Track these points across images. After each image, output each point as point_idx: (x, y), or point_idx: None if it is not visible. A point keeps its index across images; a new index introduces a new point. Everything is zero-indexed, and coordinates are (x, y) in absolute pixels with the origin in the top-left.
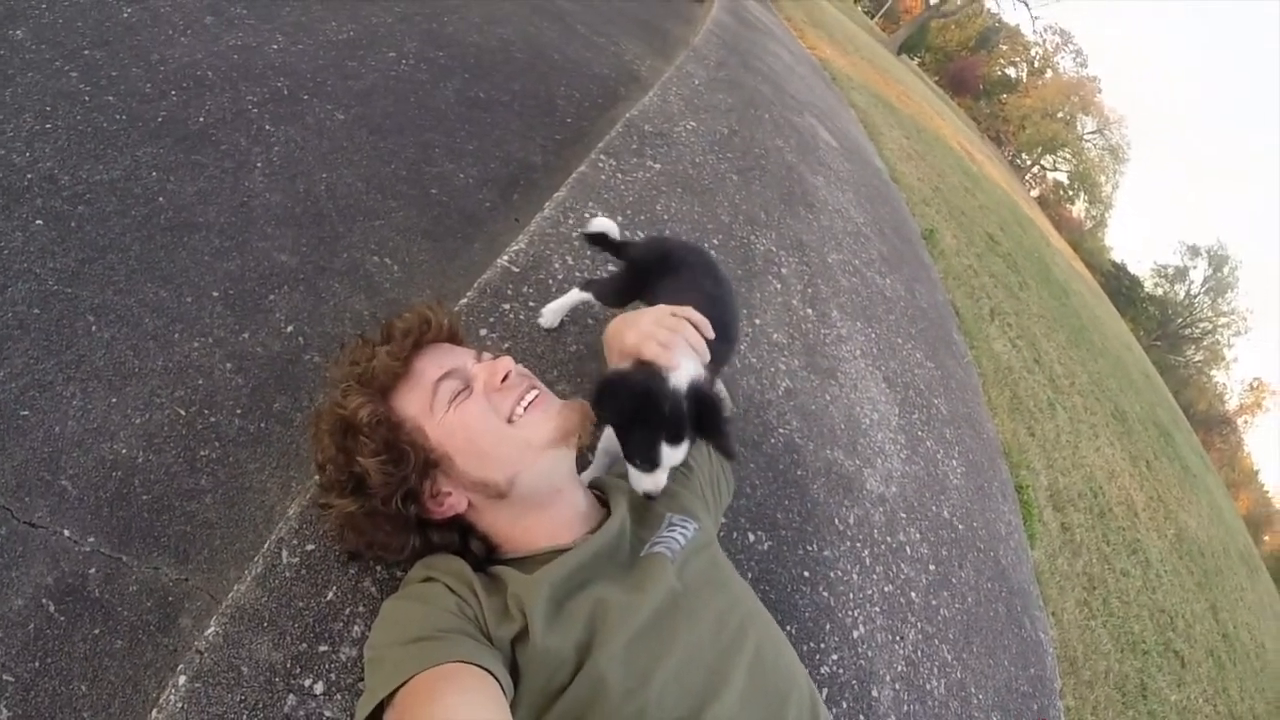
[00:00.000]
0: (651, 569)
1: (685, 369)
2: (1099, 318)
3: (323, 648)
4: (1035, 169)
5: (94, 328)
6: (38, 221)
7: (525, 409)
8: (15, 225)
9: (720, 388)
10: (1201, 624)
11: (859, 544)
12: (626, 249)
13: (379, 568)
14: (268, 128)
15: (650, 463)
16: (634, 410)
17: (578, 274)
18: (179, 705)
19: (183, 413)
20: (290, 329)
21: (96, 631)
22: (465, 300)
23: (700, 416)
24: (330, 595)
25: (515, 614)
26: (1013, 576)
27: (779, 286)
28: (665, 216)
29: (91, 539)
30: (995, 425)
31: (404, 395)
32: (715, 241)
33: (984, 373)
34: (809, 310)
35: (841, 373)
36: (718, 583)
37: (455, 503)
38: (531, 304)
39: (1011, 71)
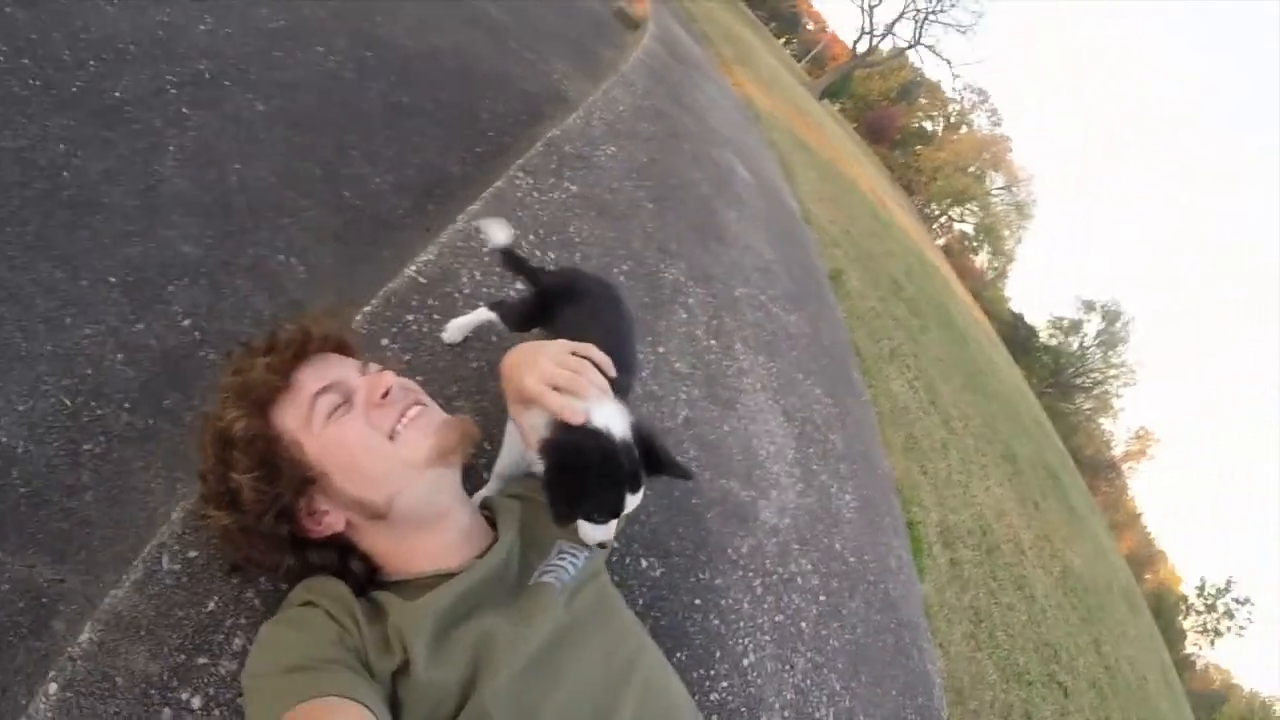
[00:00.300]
0: (539, 599)
1: (611, 413)
2: (995, 364)
3: (201, 660)
4: (943, 219)
5: None
6: None
7: (405, 425)
8: None
9: None
10: (1085, 657)
11: (751, 573)
12: (537, 276)
13: (263, 580)
14: (185, 111)
15: (614, 514)
16: (596, 477)
17: (485, 290)
18: (49, 715)
19: (68, 403)
20: (188, 323)
21: None
22: (369, 308)
23: (647, 455)
24: (211, 605)
25: (396, 646)
26: (902, 609)
27: (685, 316)
28: (578, 239)
29: None
30: (890, 462)
31: (283, 409)
32: (625, 268)
33: (881, 411)
34: (713, 341)
35: (741, 404)
36: (605, 614)
37: (333, 521)
38: (436, 317)
39: (928, 124)
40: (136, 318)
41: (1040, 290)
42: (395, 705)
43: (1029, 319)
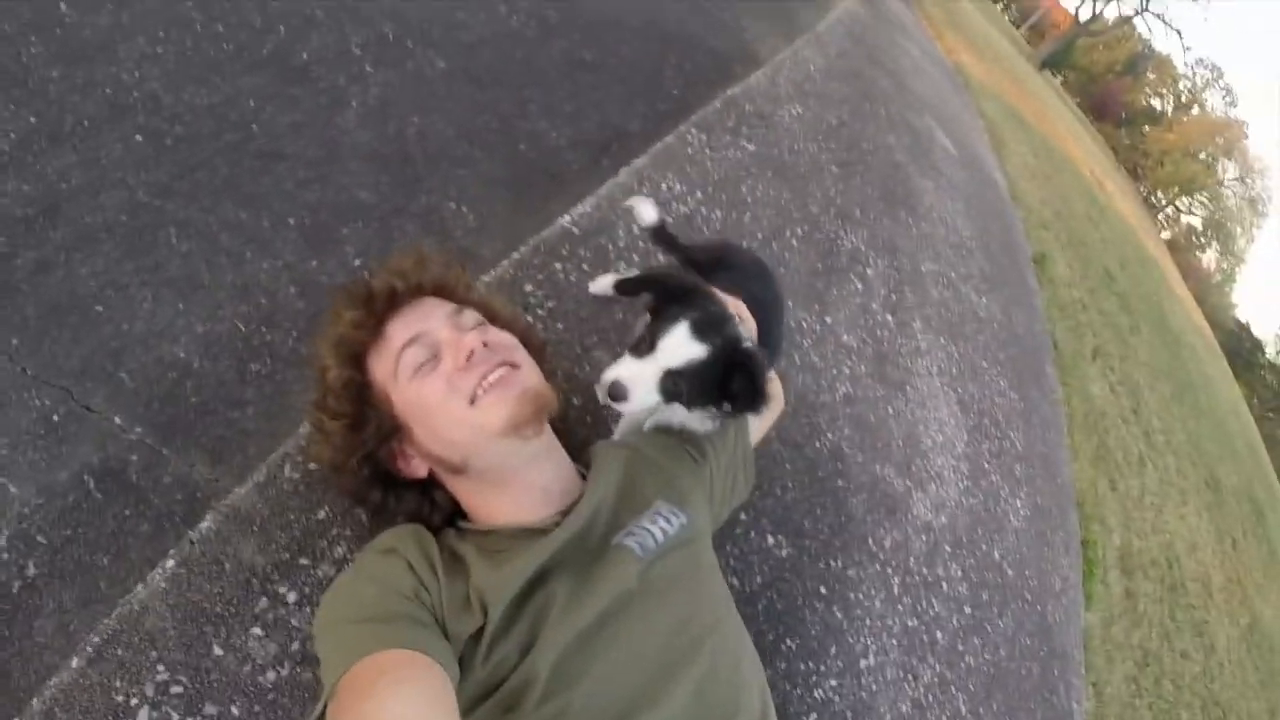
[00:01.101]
0: (613, 563)
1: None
2: (1210, 377)
3: (304, 561)
4: (1169, 209)
5: (174, 239)
6: (137, 137)
7: (485, 391)
8: (116, 138)
9: None
10: None
11: (891, 569)
12: (690, 253)
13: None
14: (368, 69)
15: (649, 344)
16: (683, 291)
17: (641, 244)
18: (162, 585)
19: (242, 327)
20: (358, 263)
21: (127, 513)
22: (518, 254)
23: (738, 368)
24: (322, 514)
25: (476, 609)
26: (1058, 637)
27: (859, 287)
28: (749, 199)
29: (139, 429)
30: (1073, 471)
31: (375, 359)
32: (799, 232)
33: (1073, 414)
34: (889, 317)
35: (911, 387)
36: (687, 585)
37: (417, 466)
38: (585, 267)
39: (1157, 103)
40: (311, 255)
41: (1271, 300)
42: (462, 664)
43: (1256, 331)
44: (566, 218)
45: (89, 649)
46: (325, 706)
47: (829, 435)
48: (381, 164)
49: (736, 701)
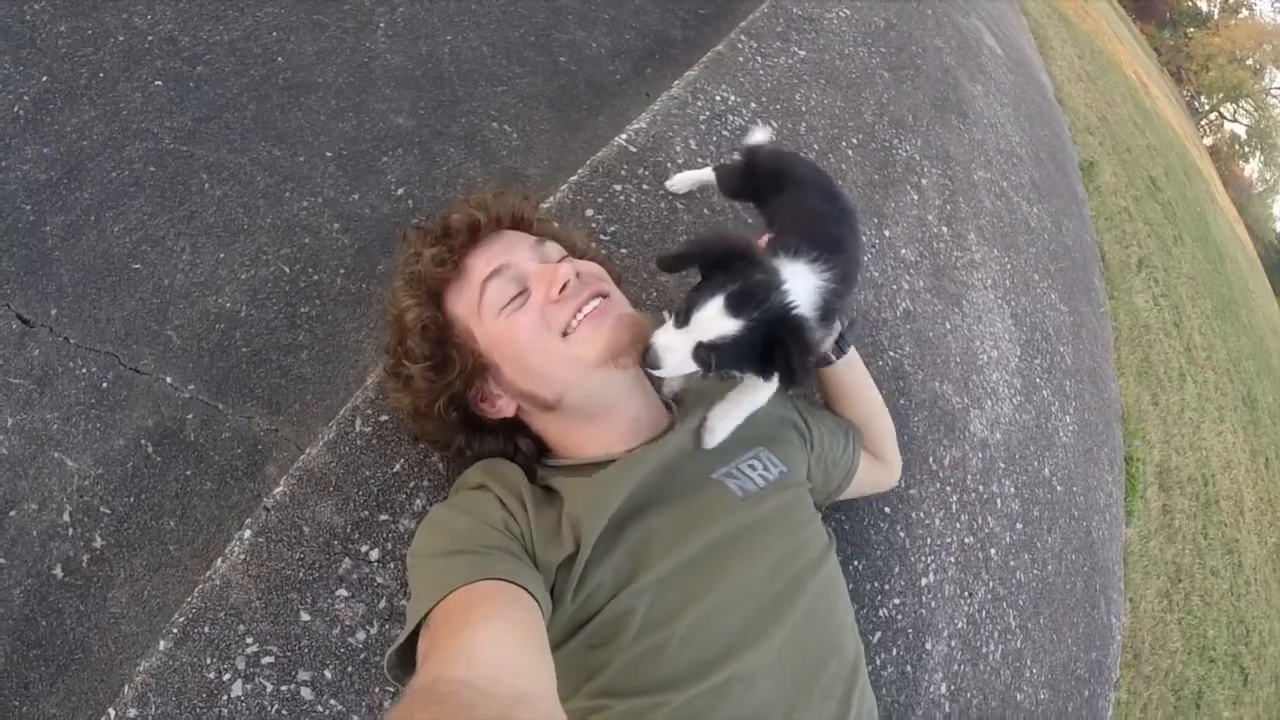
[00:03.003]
0: (715, 501)
1: (806, 281)
2: (1251, 292)
3: (383, 517)
4: (1213, 116)
5: (207, 185)
6: (157, 82)
7: (580, 321)
8: (135, 86)
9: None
10: (1276, 645)
11: (949, 488)
12: (753, 151)
13: None
14: None
15: (685, 314)
16: (728, 258)
17: (700, 160)
18: (242, 557)
19: (287, 270)
20: (401, 191)
21: (189, 473)
22: (576, 177)
23: (778, 342)
24: (397, 467)
25: (568, 538)
26: (1100, 552)
27: (915, 198)
28: (803, 108)
29: (191, 386)
30: (1119, 387)
31: (454, 296)
32: (855, 141)
33: (1119, 328)
34: (944, 229)
35: (968, 301)
36: (789, 526)
37: (504, 406)
38: (645, 187)
39: (1203, 4)
40: (352, 189)
41: None
42: (553, 593)
43: None
44: (622, 136)
45: (175, 630)
46: (413, 636)
47: (891, 353)
48: (416, 86)
49: (834, 640)
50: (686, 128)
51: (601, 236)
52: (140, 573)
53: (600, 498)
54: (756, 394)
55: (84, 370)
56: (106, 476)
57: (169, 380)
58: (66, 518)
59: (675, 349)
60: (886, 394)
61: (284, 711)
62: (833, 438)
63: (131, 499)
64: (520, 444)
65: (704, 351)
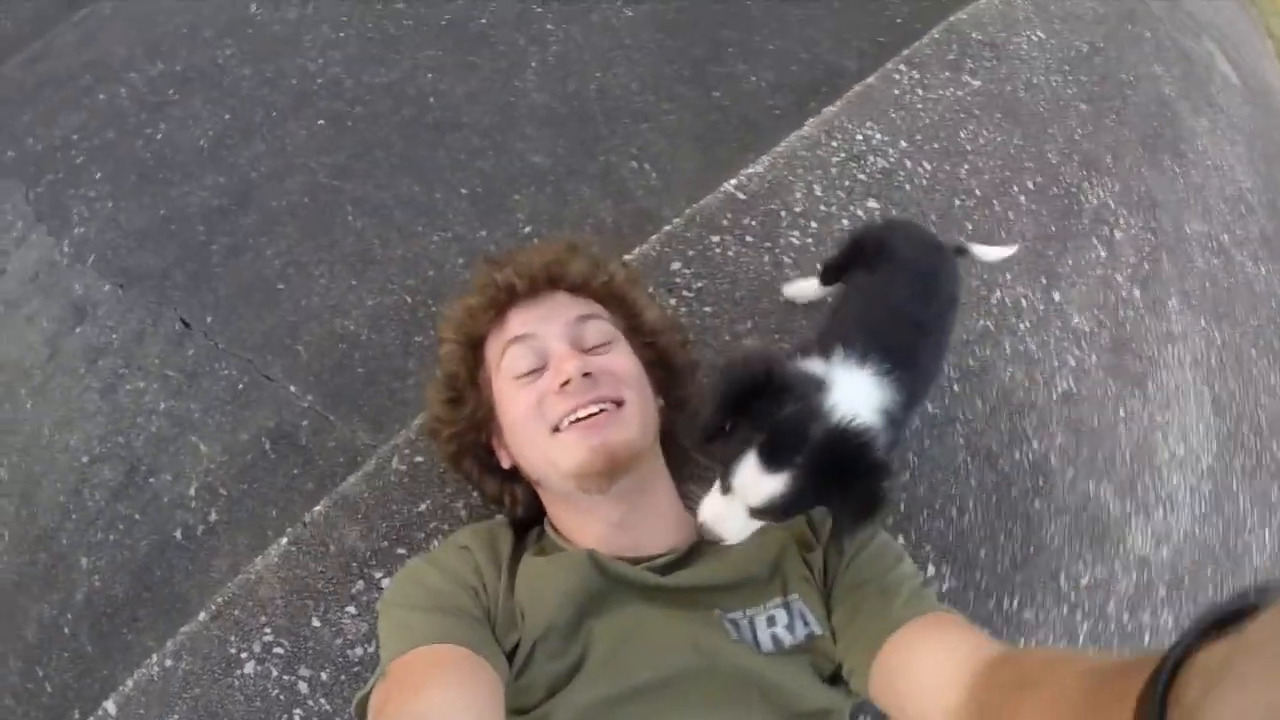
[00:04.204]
0: (694, 628)
1: (857, 389)
2: None
3: (400, 550)
4: None
5: (350, 217)
6: (320, 121)
7: (570, 425)
8: (301, 125)
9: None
10: None
11: (1081, 614)
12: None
13: (474, 495)
14: (549, 27)
15: (725, 480)
16: (744, 394)
17: (822, 209)
18: (276, 560)
19: (409, 300)
20: (528, 229)
21: (295, 472)
22: (669, 228)
23: (840, 458)
24: (423, 507)
25: (517, 624)
26: None
27: (1103, 255)
28: (968, 147)
29: (310, 397)
30: None
31: (491, 342)
32: (1031, 185)
33: None
34: (1136, 292)
35: (1154, 383)
36: (768, 694)
37: (504, 457)
38: (749, 239)
39: None
40: (480, 224)
41: None
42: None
43: None
44: (733, 181)
45: (213, 606)
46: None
47: (1035, 444)
48: (558, 125)
49: None
50: (813, 171)
51: (684, 293)
52: (241, 549)
53: (542, 606)
54: None
55: (226, 372)
56: (229, 464)
57: (292, 389)
58: (192, 492)
59: (729, 517)
60: (1018, 495)
61: (282, 697)
62: None
63: (245, 486)
64: (518, 494)
65: (762, 514)
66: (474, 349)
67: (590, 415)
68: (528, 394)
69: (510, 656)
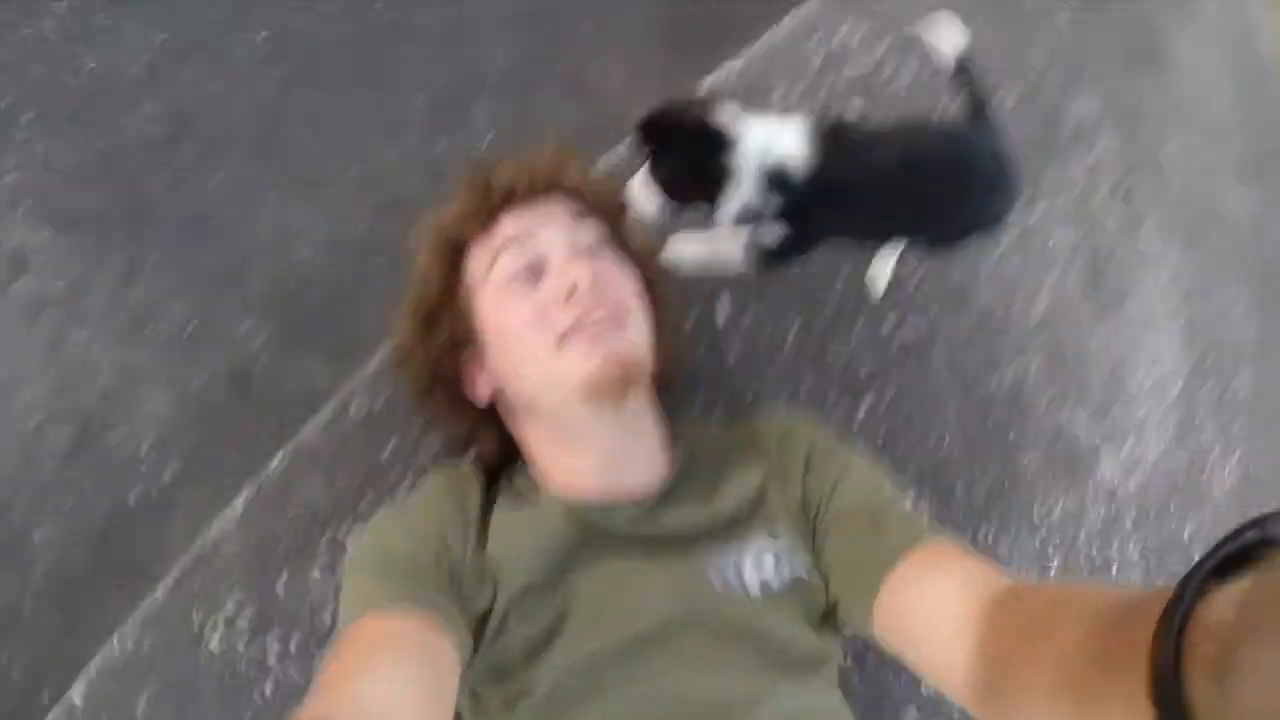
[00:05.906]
0: (675, 578)
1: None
2: None
3: (364, 503)
4: None
5: (299, 136)
6: (263, 33)
7: (576, 334)
8: (242, 39)
9: None
10: None
11: (1053, 546)
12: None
13: (436, 440)
14: None
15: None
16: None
17: (807, 100)
18: (234, 525)
19: (366, 221)
20: (490, 135)
21: (252, 417)
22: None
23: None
24: (386, 454)
25: (489, 585)
26: None
27: (1086, 167)
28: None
29: (263, 335)
30: None
31: (474, 254)
32: (1016, 92)
33: None
34: (1120, 204)
35: (1128, 308)
36: (752, 637)
37: (481, 388)
38: None
39: None
40: (439, 134)
41: None
42: (475, 636)
43: None
44: (707, 80)
45: (170, 580)
46: None
47: (1010, 370)
48: (518, 25)
49: None
50: (793, 67)
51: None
52: (202, 507)
53: (520, 558)
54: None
55: (173, 313)
56: (182, 414)
57: (244, 327)
58: (144, 451)
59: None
60: (994, 425)
61: (250, 671)
62: None
63: (200, 436)
64: (489, 434)
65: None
66: (455, 260)
67: (597, 325)
68: (524, 301)
69: (484, 618)
